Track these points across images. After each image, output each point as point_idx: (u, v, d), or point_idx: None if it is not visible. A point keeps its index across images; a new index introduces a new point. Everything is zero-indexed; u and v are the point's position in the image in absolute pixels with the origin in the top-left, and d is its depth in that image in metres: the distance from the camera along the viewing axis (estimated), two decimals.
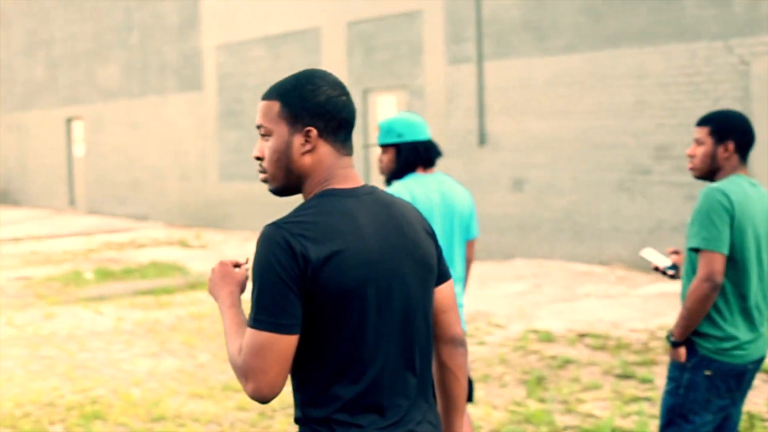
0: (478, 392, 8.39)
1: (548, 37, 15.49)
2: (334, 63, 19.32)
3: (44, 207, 31.21)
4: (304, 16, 20.24)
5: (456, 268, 5.82)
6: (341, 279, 2.88)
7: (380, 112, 18.44)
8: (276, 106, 3.03)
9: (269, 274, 2.86)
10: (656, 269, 5.19)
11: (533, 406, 7.96)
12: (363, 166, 18.47)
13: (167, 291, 14.13)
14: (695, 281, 4.70)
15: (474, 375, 8.96)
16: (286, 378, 2.90)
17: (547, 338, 10.32)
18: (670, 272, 5.15)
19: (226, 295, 3.15)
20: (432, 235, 3.19)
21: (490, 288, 13.49)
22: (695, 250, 4.76)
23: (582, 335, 10.47)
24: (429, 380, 3.13)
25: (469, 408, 7.91)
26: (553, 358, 9.55)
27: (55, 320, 12.32)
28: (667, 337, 4.90)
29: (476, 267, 15.31)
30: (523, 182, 16.06)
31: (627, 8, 14.38)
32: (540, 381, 8.70)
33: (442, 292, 3.20)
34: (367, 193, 3.06)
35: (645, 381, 8.56)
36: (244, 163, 21.77)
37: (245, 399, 8.27)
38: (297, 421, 3.02)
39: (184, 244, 20.58)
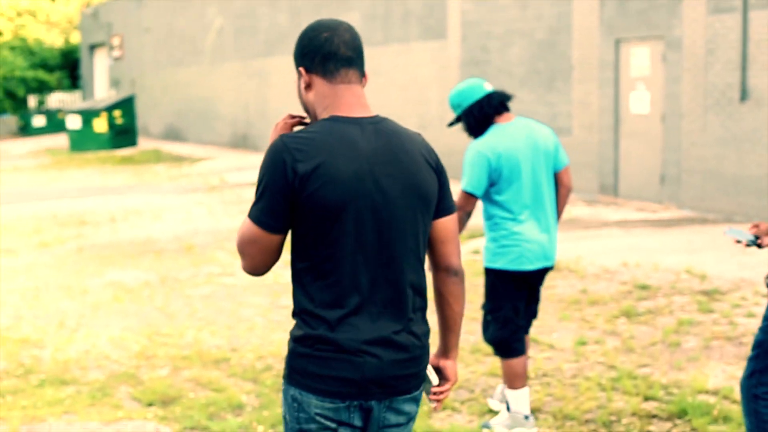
0: None
1: None
2: (585, 12, 18.47)
3: None
4: None
5: (546, 203, 6.33)
6: (325, 190, 3.26)
7: (633, 64, 17.51)
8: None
9: (264, 178, 3.32)
10: (738, 242, 5.28)
11: None
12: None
13: None
14: None
15: (745, 351, 8.19)
16: (271, 263, 3.40)
17: None
18: (752, 246, 5.22)
19: None
20: (437, 170, 3.52)
21: (749, 254, 12.53)
22: None
23: None
24: (417, 297, 3.47)
25: None
26: None
27: None
28: (766, 279, 5.08)
29: None
30: None
31: None
32: None
33: (441, 224, 3.54)
34: (372, 122, 3.42)
35: None
36: None
37: (497, 363, 7.73)
38: (293, 314, 3.42)
39: None
